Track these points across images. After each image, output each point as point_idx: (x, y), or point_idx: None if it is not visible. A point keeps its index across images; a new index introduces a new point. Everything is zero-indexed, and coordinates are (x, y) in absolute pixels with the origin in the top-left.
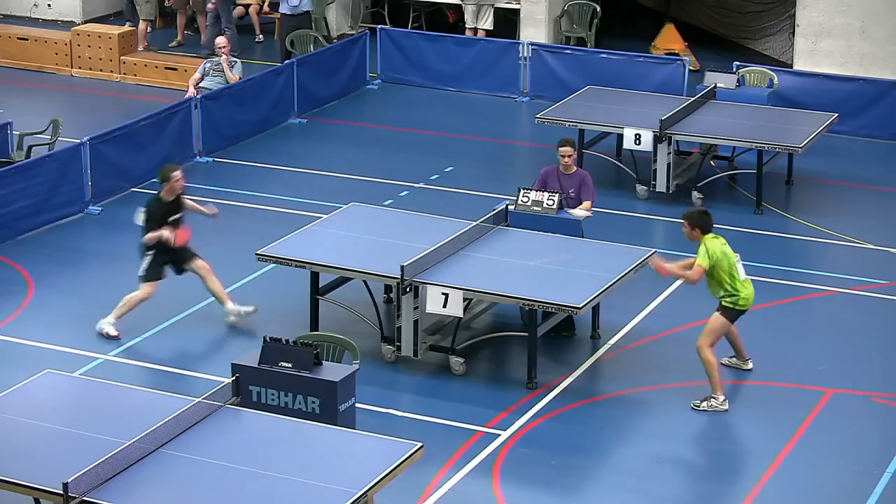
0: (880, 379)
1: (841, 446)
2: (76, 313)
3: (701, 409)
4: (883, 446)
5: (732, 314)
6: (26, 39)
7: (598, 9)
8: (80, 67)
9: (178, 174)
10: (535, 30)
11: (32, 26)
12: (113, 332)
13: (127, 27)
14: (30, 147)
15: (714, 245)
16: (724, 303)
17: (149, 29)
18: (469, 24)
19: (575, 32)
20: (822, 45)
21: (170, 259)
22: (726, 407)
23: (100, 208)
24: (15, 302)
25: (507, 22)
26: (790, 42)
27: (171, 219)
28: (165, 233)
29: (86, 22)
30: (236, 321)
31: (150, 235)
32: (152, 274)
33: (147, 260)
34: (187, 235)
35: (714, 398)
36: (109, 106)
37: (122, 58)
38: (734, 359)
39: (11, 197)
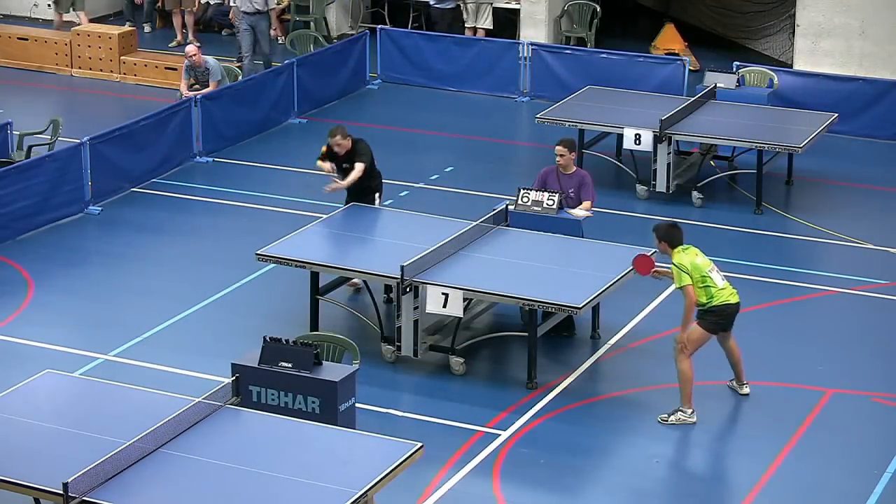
0: (880, 379)
1: (841, 446)
2: (76, 313)
3: (669, 423)
4: (883, 446)
5: (711, 324)
6: (26, 39)
7: (598, 9)
8: (80, 67)
9: (336, 139)
10: (535, 30)
11: (32, 26)
12: None
13: (126, 27)
14: (30, 147)
15: (684, 259)
16: (701, 313)
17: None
18: (468, 23)
19: (575, 32)
20: (822, 45)
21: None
22: (694, 420)
23: (100, 208)
24: (15, 302)
25: (507, 22)
26: (790, 42)
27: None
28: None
29: None
30: None
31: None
32: None
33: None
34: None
35: (682, 411)
36: (110, 105)
37: (122, 58)
38: (733, 381)
39: (11, 197)
